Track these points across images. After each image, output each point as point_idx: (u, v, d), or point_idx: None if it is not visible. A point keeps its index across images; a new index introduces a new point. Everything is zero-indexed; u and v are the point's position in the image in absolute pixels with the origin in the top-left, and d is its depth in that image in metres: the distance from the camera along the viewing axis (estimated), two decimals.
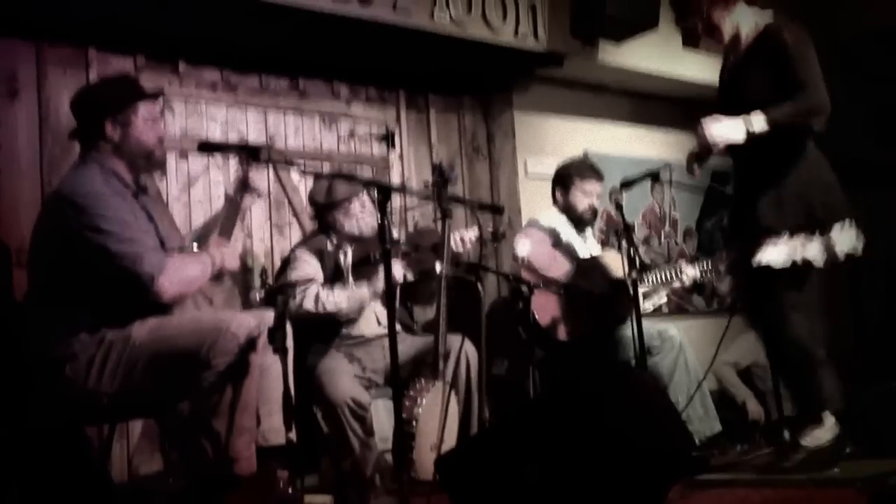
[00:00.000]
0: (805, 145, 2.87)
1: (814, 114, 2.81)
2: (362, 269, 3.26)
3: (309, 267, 3.33)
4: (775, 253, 2.78)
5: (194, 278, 2.54)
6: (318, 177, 3.59)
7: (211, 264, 2.58)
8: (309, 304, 3.19)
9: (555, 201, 3.99)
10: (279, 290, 3.16)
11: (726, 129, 2.78)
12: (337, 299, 3.23)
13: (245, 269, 3.75)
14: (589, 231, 4.02)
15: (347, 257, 3.31)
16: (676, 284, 3.88)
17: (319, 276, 3.34)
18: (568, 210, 3.92)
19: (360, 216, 3.40)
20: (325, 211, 3.42)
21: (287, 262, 3.42)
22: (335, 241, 3.32)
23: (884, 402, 3.29)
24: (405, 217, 4.35)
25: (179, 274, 2.48)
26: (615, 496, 2.05)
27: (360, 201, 3.41)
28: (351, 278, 3.24)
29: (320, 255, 3.36)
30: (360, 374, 3.29)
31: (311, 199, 3.49)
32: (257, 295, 3.37)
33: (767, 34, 2.89)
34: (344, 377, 3.16)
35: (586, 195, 3.89)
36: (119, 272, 2.41)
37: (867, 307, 5.63)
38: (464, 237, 3.38)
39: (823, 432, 2.81)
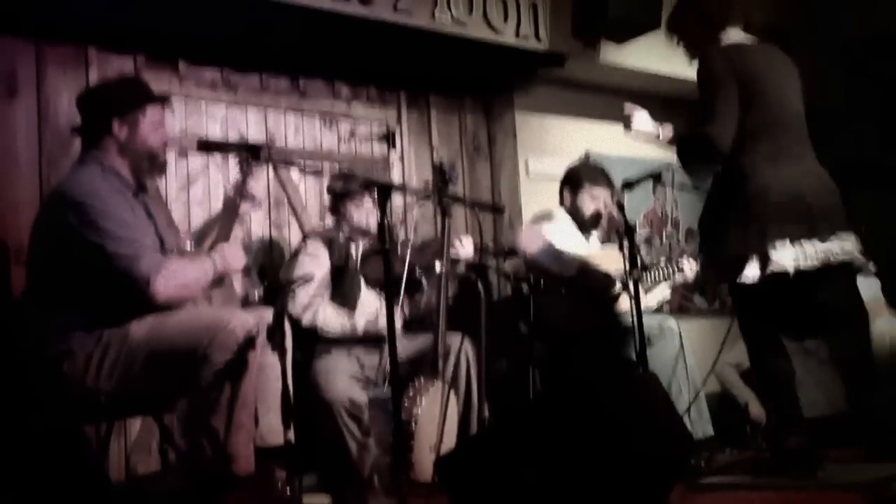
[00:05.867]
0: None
1: (706, 143, 2.85)
2: (370, 260, 3.38)
3: (313, 264, 3.37)
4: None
5: (192, 282, 2.53)
6: (317, 174, 3.62)
7: (212, 268, 2.57)
8: (307, 318, 3.28)
9: (561, 201, 3.98)
10: (279, 288, 3.17)
11: (643, 123, 3.08)
12: (332, 323, 3.32)
13: (244, 269, 3.74)
14: (593, 231, 4.02)
15: (358, 249, 3.49)
16: (678, 279, 3.88)
17: (323, 269, 3.36)
18: (574, 212, 3.92)
19: (371, 210, 3.50)
20: (339, 200, 3.57)
21: (297, 253, 3.51)
22: (347, 233, 3.50)
23: (887, 406, 3.27)
24: (406, 217, 4.34)
25: (176, 277, 2.47)
26: (616, 498, 2.04)
27: (372, 198, 3.48)
28: (359, 269, 3.43)
29: (330, 244, 3.46)
30: (359, 373, 3.28)
31: (329, 188, 3.66)
32: (256, 293, 3.38)
33: None
34: (340, 377, 3.16)
35: (594, 200, 3.90)
36: (115, 272, 2.40)
37: None
38: (472, 244, 3.48)
39: None
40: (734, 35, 3.01)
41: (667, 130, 3.07)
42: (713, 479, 2.92)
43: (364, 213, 3.52)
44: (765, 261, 2.78)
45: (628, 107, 3.11)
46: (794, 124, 2.95)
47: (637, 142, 3.16)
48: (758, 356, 3.01)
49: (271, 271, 3.82)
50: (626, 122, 3.09)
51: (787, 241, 2.77)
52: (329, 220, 3.72)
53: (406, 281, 3.19)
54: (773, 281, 2.79)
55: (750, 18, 3.05)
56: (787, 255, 2.77)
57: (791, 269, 2.77)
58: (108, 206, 2.46)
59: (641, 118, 3.09)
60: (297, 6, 3.53)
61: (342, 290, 3.41)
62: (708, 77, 2.89)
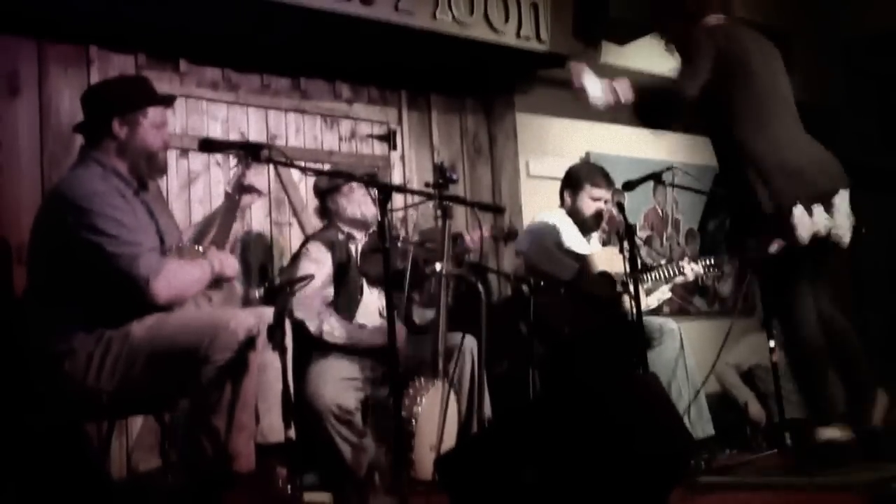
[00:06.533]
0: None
1: (672, 89, 2.85)
2: (370, 257, 3.36)
3: (314, 268, 3.34)
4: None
5: (191, 283, 2.53)
6: (319, 174, 3.60)
7: (210, 271, 2.58)
8: (314, 326, 3.24)
9: (562, 202, 3.99)
10: (279, 288, 3.17)
11: (593, 89, 2.84)
12: (338, 335, 3.27)
13: (245, 268, 3.74)
14: (593, 233, 4.02)
15: (358, 247, 3.46)
16: (679, 279, 3.89)
17: (325, 272, 3.35)
18: (574, 213, 3.93)
19: (363, 200, 3.46)
20: (328, 196, 3.51)
21: (297, 256, 3.47)
22: (345, 232, 3.45)
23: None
24: (406, 217, 4.35)
25: (175, 278, 2.47)
26: (616, 498, 2.04)
27: (371, 194, 3.45)
28: (360, 268, 3.39)
29: (332, 246, 3.42)
30: (356, 375, 3.28)
31: (315, 188, 3.57)
32: (257, 293, 3.38)
33: None
34: (327, 383, 3.15)
35: (594, 201, 3.90)
36: (114, 273, 2.41)
37: (871, 313, 5.60)
38: (478, 236, 3.43)
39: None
40: (713, 22, 3.03)
41: (624, 89, 2.88)
42: (713, 479, 2.92)
43: (356, 204, 3.47)
44: (793, 220, 2.72)
45: (573, 69, 2.86)
46: (786, 103, 2.97)
47: (596, 107, 2.85)
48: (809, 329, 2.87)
49: (272, 271, 3.82)
50: (578, 91, 2.83)
51: (803, 205, 2.76)
52: (324, 223, 3.65)
53: (409, 278, 3.19)
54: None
55: (728, 7, 3.07)
56: (807, 219, 2.75)
57: (823, 230, 2.74)
58: (106, 207, 2.46)
59: (590, 82, 2.84)
60: (299, 6, 3.54)
61: (344, 291, 3.40)
62: (689, 43, 2.93)
